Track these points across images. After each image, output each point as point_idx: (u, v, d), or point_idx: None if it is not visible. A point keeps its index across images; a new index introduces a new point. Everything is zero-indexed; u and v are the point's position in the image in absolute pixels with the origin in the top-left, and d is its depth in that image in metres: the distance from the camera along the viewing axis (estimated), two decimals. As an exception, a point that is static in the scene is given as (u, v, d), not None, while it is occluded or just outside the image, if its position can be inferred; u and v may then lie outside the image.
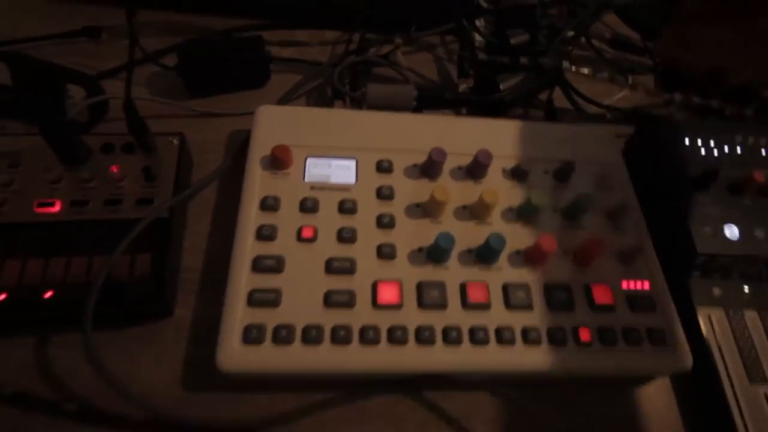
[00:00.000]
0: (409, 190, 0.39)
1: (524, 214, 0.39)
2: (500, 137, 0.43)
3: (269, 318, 0.33)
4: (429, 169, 0.40)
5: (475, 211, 0.39)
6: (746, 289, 0.39)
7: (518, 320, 0.35)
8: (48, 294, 0.32)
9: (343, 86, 0.47)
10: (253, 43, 0.47)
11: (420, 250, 0.37)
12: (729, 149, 0.44)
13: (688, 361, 0.35)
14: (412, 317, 0.34)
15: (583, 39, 0.55)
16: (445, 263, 0.36)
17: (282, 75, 0.49)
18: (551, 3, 0.55)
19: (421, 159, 0.40)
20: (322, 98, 0.49)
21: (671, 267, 0.39)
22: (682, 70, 0.53)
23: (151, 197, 0.36)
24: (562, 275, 0.37)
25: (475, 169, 0.40)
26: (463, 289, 0.35)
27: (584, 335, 0.35)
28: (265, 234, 0.35)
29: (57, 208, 0.35)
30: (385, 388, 0.34)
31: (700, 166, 0.42)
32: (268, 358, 0.31)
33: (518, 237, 0.38)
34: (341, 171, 0.40)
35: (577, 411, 0.36)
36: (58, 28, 0.48)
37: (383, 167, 0.40)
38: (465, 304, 0.35)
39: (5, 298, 0.31)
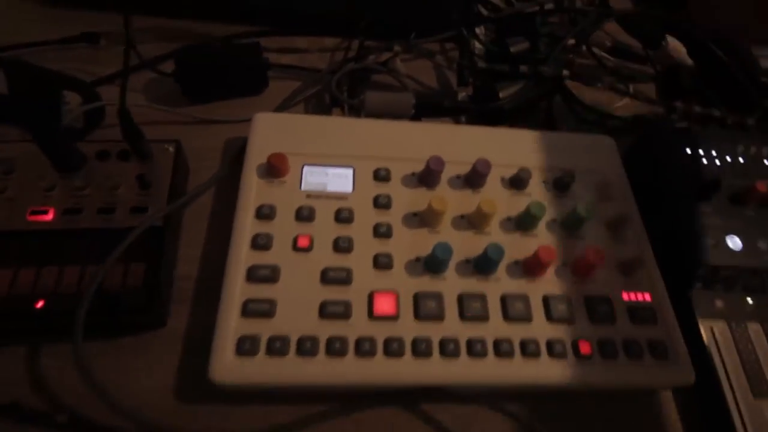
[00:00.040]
0: (406, 199, 0.39)
1: (523, 224, 0.39)
2: (499, 146, 0.43)
3: (263, 329, 0.32)
4: (427, 177, 0.40)
5: (474, 221, 0.38)
6: (749, 301, 0.39)
7: (517, 332, 0.34)
8: (39, 303, 0.31)
9: (341, 93, 0.47)
10: (250, 49, 0.47)
11: (417, 260, 0.36)
12: (731, 159, 0.43)
13: (691, 375, 0.34)
14: (409, 329, 0.33)
15: (583, 47, 0.55)
16: (442, 274, 0.36)
17: (280, 82, 0.49)
18: (552, 11, 0.55)
19: (419, 167, 0.40)
20: (321, 105, 0.49)
21: (673, 278, 0.38)
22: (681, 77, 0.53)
23: (146, 205, 0.36)
24: (562, 286, 0.37)
25: (474, 178, 0.40)
26: (460, 300, 0.35)
27: (584, 348, 0.34)
28: (261, 243, 0.35)
29: (50, 216, 0.34)
30: (381, 401, 0.34)
31: (702, 175, 0.41)
32: (261, 370, 0.31)
33: (517, 247, 0.38)
34: (338, 179, 0.39)
35: (576, 425, 0.35)
36: (59, 34, 0.48)
37: (381, 176, 0.39)
38: (462, 315, 0.34)
39: (-4, 308, 0.31)
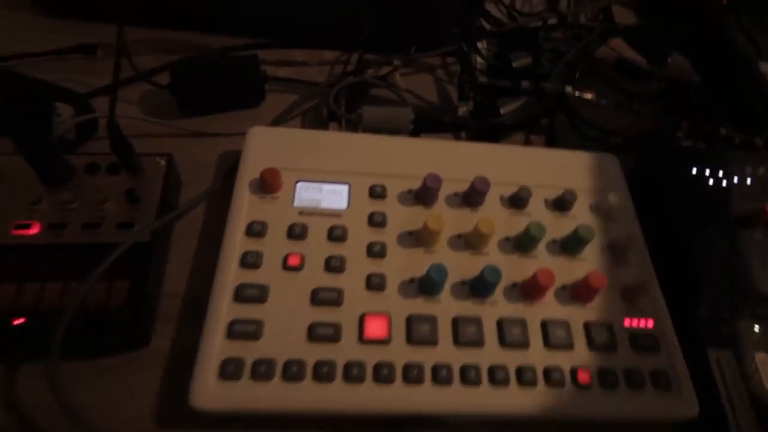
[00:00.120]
0: (402, 218, 0.38)
1: (522, 244, 0.37)
2: (499, 163, 0.42)
3: (249, 352, 0.31)
4: (424, 195, 0.38)
5: (471, 241, 0.37)
6: (756, 329, 0.37)
7: (513, 359, 0.33)
8: (18, 321, 0.30)
9: (339, 108, 0.46)
10: (248, 61, 0.46)
11: (411, 281, 0.35)
12: (739, 180, 0.42)
13: (694, 407, 0.33)
14: (400, 354, 0.32)
15: (587, 63, 0.54)
16: (437, 296, 0.35)
17: (278, 95, 0.48)
18: (555, 26, 0.54)
19: (416, 185, 0.39)
20: (318, 119, 0.48)
21: (677, 304, 0.37)
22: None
23: (133, 221, 0.35)
24: (561, 311, 0.35)
25: (472, 197, 0.39)
26: (455, 324, 0.34)
27: (583, 377, 0.33)
28: (250, 261, 0.34)
29: (35, 230, 0.34)
30: (370, 429, 0.32)
31: (708, 196, 0.40)
32: (245, 395, 0.30)
33: (515, 269, 0.36)
34: (332, 196, 0.38)
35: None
36: (55, 44, 0.48)
37: (376, 193, 0.38)
38: (457, 340, 0.33)
39: (-28, 324, 0.30)
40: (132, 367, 0.33)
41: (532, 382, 0.32)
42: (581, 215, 0.40)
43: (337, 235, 0.36)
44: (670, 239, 0.40)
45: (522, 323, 0.34)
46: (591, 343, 0.34)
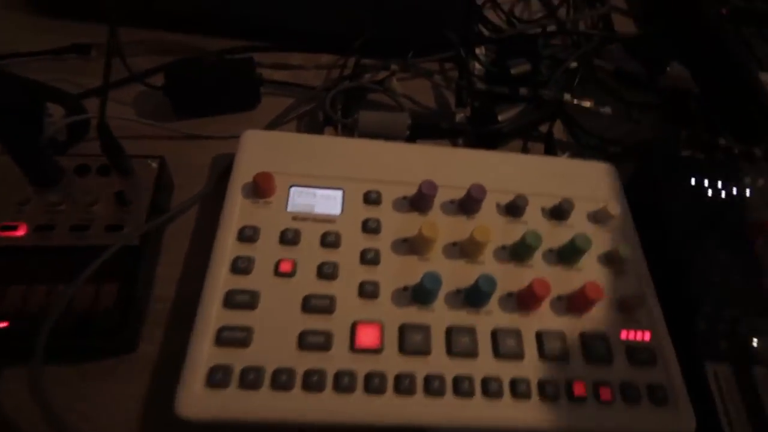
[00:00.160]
0: (397, 224, 0.37)
1: (518, 253, 0.37)
2: (496, 170, 0.41)
3: (237, 359, 0.30)
4: (419, 202, 0.38)
5: (466, 249, 0.37)
6: (755, 342, 0.37)
7: (507, 371, 0.32)
8: (2, 324, 0.30)
9: (335, 112, 0.46)
10: (244, 64, 0.46)
11: (405, 289, 0.34)
12: (738, 191, 0.42)
13: (691, 422, 0.32)
14: (392, 363, 0.32)
15: (586, 71, 0.54)
16: (430, 305, 0.34)
17: (274, 98, 0.48)
18: (554, 33, 0.53)
19: (411, 191, 0.38)
20: (314, 124, 0.48)
21: (675, 317, 0.36)
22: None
23: (122, 223, 0.34)
24: (557, 322, 0.35)
25: (468, 204, 0.38)
26: (448, 333, 0.33)
27: (578, 389, 0.32)
28: (241, 267, 0.33)
29: (21, 232, 0.33)
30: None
31: (707, 207, 0.40)
32: (232, 404, 0.29)
33: (511, 278, 0.36)
34: (326, 201, 0.38)
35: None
36: (49, 44, 0.47)
37: (371, 199, 0.38)
38: (450, 350, 0.32)
39: (-45, 327, 0.29)
40: (118, 372, 0.32)
41: (527, 395, 0.32)
42: (578, 224, 0.39)
43: (330, 241, 0.35)
44: (668, 250, 0.39)
45: (517, 334, 0.34)
46: (587, 355, 0.34)
